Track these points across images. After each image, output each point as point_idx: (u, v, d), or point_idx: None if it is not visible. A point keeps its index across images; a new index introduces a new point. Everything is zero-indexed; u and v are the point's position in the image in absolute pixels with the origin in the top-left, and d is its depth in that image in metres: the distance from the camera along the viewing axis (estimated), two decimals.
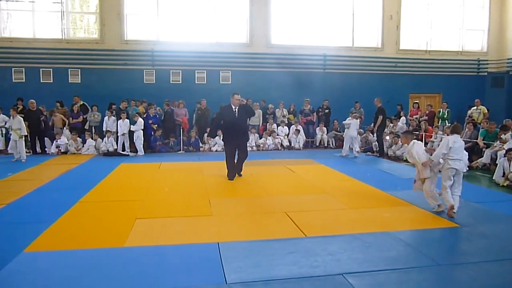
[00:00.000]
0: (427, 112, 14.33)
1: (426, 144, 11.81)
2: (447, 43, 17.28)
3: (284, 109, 14.65)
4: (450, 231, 5.04)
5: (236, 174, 8.48)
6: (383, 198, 6.77)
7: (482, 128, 11.07)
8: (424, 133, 12.29)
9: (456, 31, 17.24)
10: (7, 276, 3.69)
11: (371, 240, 4.61)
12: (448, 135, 6.86)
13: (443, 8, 17.01)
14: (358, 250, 4.35)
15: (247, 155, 8.57)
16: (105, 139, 12.43)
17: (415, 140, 6.15)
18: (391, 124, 13.39)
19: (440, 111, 14.07)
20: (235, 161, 8.47)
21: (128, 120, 12.39)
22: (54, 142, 12.47)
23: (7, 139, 12.41)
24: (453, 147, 5.60)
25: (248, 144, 13.19)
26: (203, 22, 15.40)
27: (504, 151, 8.68)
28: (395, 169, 9.80)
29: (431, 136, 12.06)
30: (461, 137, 10.79)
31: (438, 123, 13.90)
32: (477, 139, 10.58)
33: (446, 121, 13.52)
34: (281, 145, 13.72)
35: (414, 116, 14.17)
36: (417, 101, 15.18)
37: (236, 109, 8.26)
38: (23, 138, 10.90)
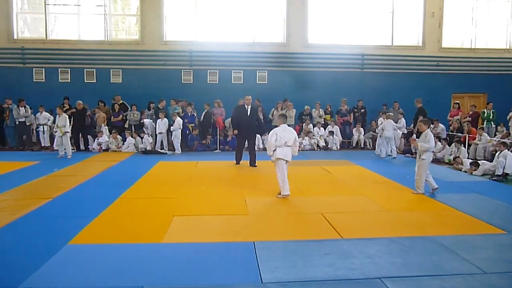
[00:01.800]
0: (470, 112, 13.72)
1: (469, 147, 11.34)
2: (493, 40, 16.50)
3: (320, 110, 14.48)
4: (496, 237, 4.81)
5: (250, 164, 9.90)
6: (423, 201, 6.56)
7: None
8: (467, 135, 11.78)
9: (503, 27, 16.44)
10: (53, 268, 3.86)
11: (410, 244, 4.47)
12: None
13: (488, 3, 16.28)
14: (396, 254, 4.23)
15: (255, 149, 10.11)
16: (145, 137, 12.76)
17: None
18: (432, 125, 12.94)
19: (484, 111, 13.43)
20: (249, 155, 9.94)
21: (166, 119, 12.66)
22: (96, 139, 12.96)
23: (50, 136, 13.04)
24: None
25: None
26: (241, 22, 15.50)
27: None
28: (436, 172, 9.42)
29: (475, 138, 11.54)
30: (508, 139, 10.33)
31: (483, 124, 13.29)
32: None
33: (492, 122, 12.91)
34: (317, 145, 13.59)
35: (455, 117, 13.60)
36: (458, 102, 14.56)
37: (248, 108, 9.86)
38: (67, 135, 11.39)
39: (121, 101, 13.90)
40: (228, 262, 4.01)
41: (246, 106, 9.91)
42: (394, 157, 11.55)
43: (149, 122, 13.14)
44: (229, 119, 13.99)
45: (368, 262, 3.99)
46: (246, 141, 10.07)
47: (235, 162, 10.14)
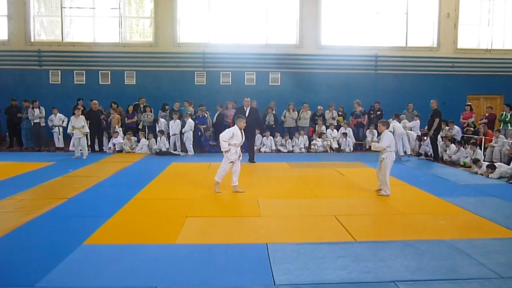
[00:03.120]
0: (486, 114, 13.47)
1: (485, 149, 11.16)
2: (509, 41, 16.23)
3: (334, 111, 14.42)
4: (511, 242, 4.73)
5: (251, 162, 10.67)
6: (438, 204, 6.47)
7: None
8: (483, 137, 11.59)
9: None
10: (68, 267, 3.91)
11: (425, 248, 4.42)
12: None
13: (505, 4, 16.02)
14: (411, 257, 4.18)
15: (254, 147, 11.04)
16: (158, 138, 12.86)
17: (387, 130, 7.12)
18: (447, 127, 12.78)
19: (503, 113, 13.12)
20: (248, 153, 10.68)
21: (179, 121, 12.75)
22: (111, 140, 13.11)
23: (65, 138, 13.22)
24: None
25: (297, 145, 13.33)
26: (253, 24, 15.54)
27: None
28: (451, 174, 9.34)
29: (491, 140, 11.35)
30: None
31: (500, 126, 13.03)
32: None
33: (509, 124, 12.64)
34: (330, 147, 13.52)
35: (470, 119, 13.36)
36: (469, 103, 14.24)
37: (247, 110, 10.57)
38: (85, 136, 11.56)
39: (145, 104, 13.88)
40: (240, 264, 4.01)
41: (245, 108, 10.65)
42: (401, 156, 11.55)
43: (164, 123, 13.23)
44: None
45: (382, 266, 3.96)
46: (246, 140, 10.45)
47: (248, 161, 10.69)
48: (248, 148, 10.77)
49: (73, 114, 11.65)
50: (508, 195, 7.10)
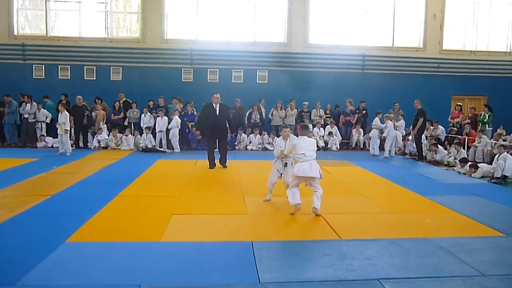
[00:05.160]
0: (469, 115, 13.71)
1: (468, 149, 11.34)
2: (493, 43, 16.51)
3: (320, 110, 14.48)
4: (495, 240, 4.80)
5: (221, 166, 9.60)
6: (423, 203, 6.55)
7: None
8: (467, 137, 11.78)
9: (504, 30, 16.45)
10: (51, 265, 3.84)
11: (410, 246, 4.46)
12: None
13: (490, 6, 16.28)
14: (396, 255, 4.22)
15: (227, 149, 9.92)
16: (144, 135, 12.74)
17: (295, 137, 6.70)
18: (431, 127, 12.95)
19: (481, 114, 13.35)
20: (220, 155, 9.64)
21: (166, 118, 12.65)
22: (95, 137, 12.93)
23: (48, 133, 12.99)
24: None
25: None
26: (242, 21, 15.48)
27: None
28: (436, 173, 9.46)
29: (474, 140, 11.54)
30: (508, 141, 10.31)
31: (479, 127, 13.27)
32: None
33: (487, 125, 12.85)
34: (317, 145, 13.53)
35: (456, 119, 13.60)
36: (460, 104, 14.58)
37: (217, 107, 9.39)
38: (68, 133, 11.38)
39: (124, 99, 13.89)
40: (226, 262, 3.99)
41: (214, 105, 9.41)
42: (386, 157, 11.81)
43: (148, 120, 13.09)
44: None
45: (367, 263, 3.98)
46: (217, 141, 9.65)
47: (208, 166, 9.54)
48: (219, 150, 9.68)
49: (57, 109, 11.46)
50: (490, 194, 7.22)
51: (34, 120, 13.01)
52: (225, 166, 9.56)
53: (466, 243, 4.64)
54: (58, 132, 11.37)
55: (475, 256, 4.20)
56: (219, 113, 9.38)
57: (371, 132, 12.78)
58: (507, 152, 9.34)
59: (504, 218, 5.30)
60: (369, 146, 14.07)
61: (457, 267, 3.95)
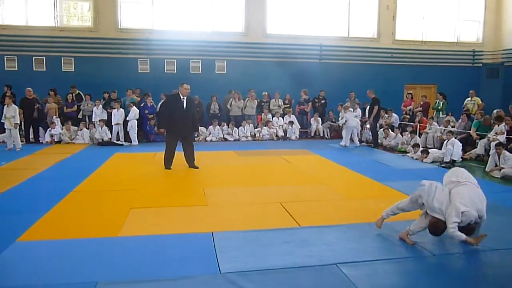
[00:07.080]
0: (421, 103, 14.31)
1: (420, 135, 11.84)
2: (442, 34, 17.23)
3: (279, 100, 14.59)
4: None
5: (193, 167, 8.35)
6: (379, 189, 6.79)
7: (476, 119, 11.09)
8: (418, 124, 12.30)
9: (452, 21, 17.20)
10: (0, 266, 3.66)
11: (366, 230, 4.62)
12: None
13: None
14: (353, 240, 4.36)
15: (193, 147, 8.49)
16: (99, 128, 12.33)
17: None
18: (386, 114, 13.39)
19: (436, 102, 14.02)
20: (184, 155, 8.38)
21: (122, 110, 12.30)
22: (48, 131, 12.37)
23: None
24: None
25: (243, 134, 13.35)
26: (199, 11, 15.23)
27: (496, 142, 8.74)
28: (390, 159, 9.83)
29: (425, 127, 12.08)
30: (455, 128, 10.86)
31: (433, 114, 13.90)
32: (470, 130, 10.65)
33: (440, 112, 13.51)
34: (276, 135, 13.69)
35: (408, 107, 14.16)
36: (411, 92, 15.17)
37: (184, 99, 8.10)
38: (17, 127, 10.81)
39: (77, 91, 13.36)
40: (186, 254, 3.97)
41: (181, 97, 8.08)
42: (357, 146, 12.06)
43: (100, 113, 12.67)
44: None
45: (325, 249, 4.09)
46: (181, 140, 8.39)
47: (164, 166, 8.34)
48: (185, 151, 8.39)
49: (1, 102, 10.82)
50: (440, 178, 7.49)
51: None
52: (196, 167, 8.31)
53: None
54: (5, 126, 10.77)
55: (425, 237, 4.39)
56: (186, 107, 8.08)
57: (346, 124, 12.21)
58: (455, 138, 9.88)
59: None
60: (327, 135, 14.39)
61: (410, 248, 4.15)
